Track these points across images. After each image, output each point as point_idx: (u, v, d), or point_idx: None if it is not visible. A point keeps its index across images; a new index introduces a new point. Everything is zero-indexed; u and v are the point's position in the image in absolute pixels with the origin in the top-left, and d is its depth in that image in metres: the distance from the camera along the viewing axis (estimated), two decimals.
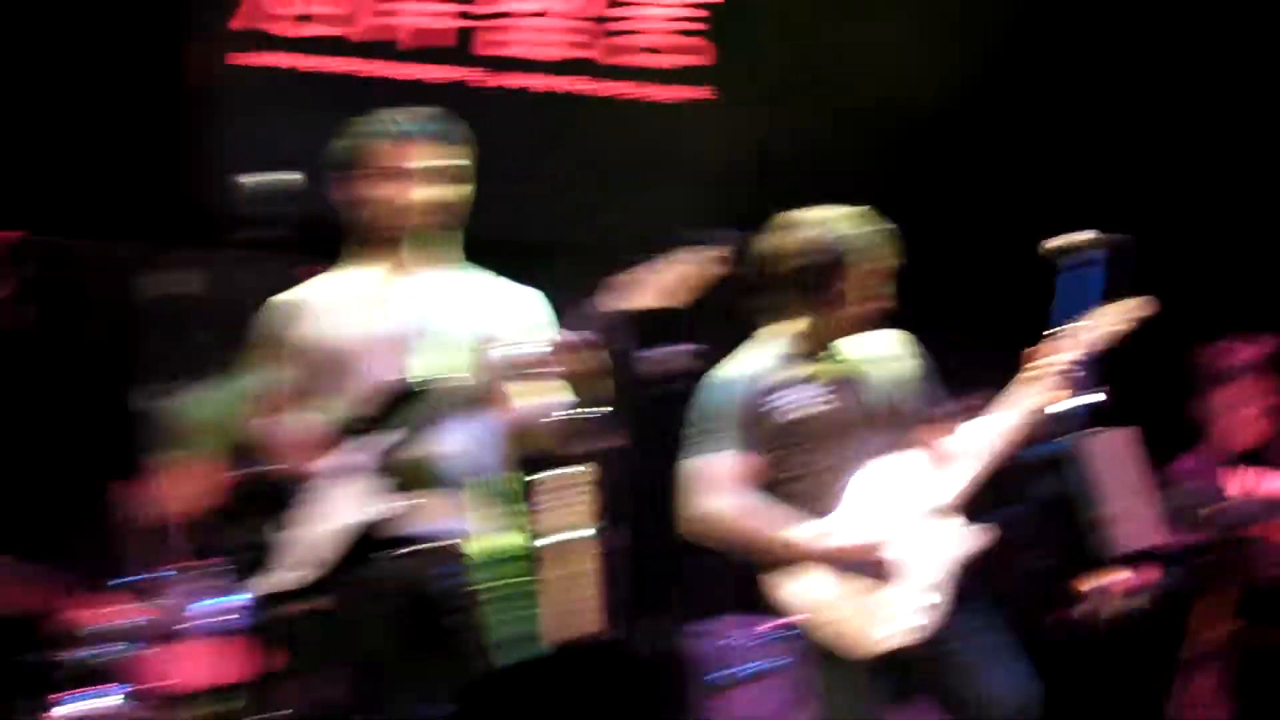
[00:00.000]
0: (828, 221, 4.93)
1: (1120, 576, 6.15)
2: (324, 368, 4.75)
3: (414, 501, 4.65)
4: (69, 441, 7.33)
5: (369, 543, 4.63)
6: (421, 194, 4.76)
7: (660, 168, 8.32)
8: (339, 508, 4.64)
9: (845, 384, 4.93)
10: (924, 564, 4.77)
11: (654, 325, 4.64)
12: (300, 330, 4.81)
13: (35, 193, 7.67)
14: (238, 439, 6.04)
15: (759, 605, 6.27)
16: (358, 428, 4.64)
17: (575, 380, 4.53)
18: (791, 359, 4.94)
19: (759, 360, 4.95)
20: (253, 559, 4.72)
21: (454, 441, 4.72)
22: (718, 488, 4.86)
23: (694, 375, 6.26)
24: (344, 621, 4.66)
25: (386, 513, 4.61)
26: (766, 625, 6.59)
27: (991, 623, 4.88)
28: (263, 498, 4.73)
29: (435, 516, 4.69)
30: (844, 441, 4.85)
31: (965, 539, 4.83)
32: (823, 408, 4.87)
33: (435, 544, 4.68)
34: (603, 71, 8.29)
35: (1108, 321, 4.96)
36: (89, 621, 6.05)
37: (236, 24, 8.03)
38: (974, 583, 5.00)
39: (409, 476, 4.65)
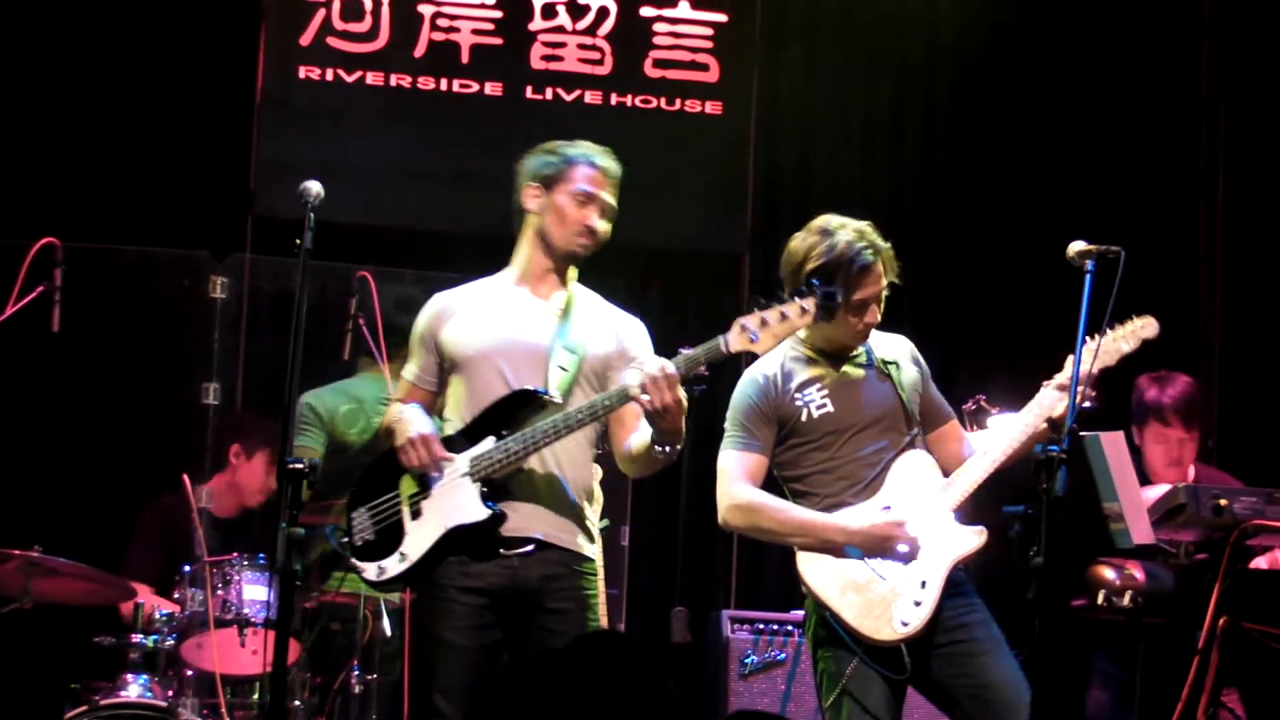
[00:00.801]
0: (842, 229, 5.03)
1: (1129, 569, 6.24)
2: (464, 369, 4.93)
3: (528, 507, 4.84)
4: (110, 440, 7.43)
5: (479, 542, 4.81)
6: (602, 225, 5.01)
7: (680, 175, 8.49)
8: (456, 505, 4.81)
9: (858, 384, 5.05)
10: (934, 557, 4.88)
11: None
12: (450, 330, 4.99)
13: (114, 202, 7.84)
14: (366, 433, 6.18)
15: (784, 595, 6.34)
16: (484, 431, 4.83)
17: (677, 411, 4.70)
18: (813, 360, 5.09)
19: (785, 360, 5.10)
20: (346, 547, 4.89)
21: (575, 454, 4.92)
22: (747, 481, 5.01)
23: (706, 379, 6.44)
24: (442, 614, 4.82)
25: (500, 516, 4.79)
26: (790, 615, 6.71)
27: (989, 617, 4.98)
28: (367, 486, 4.93)
29: (548, 523, 4.86)
30: (861, 438, 5.01)
31: (971, 536, 4.95)
32: (836, 407, 5.02)
33: (547, 548, 4.85)
34: (636, 85, 8.49)
35: (1119, 341, 5.04)
36: (147, 610, 6.17)
37: (305, 40, 8.20)
38: (977, 577, 5.13)
39: (526, 483, 4.85)
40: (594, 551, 4.99)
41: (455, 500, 4.81)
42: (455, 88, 8.29)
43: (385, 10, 8.25)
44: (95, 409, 7.42)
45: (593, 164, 5.01)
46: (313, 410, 6.62)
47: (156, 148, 7.93)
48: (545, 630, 4.80)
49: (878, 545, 4.88)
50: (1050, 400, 5.00)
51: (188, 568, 6.27)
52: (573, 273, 5.09)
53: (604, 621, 6.43)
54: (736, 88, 8.52)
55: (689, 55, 8.49)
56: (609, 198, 5.02)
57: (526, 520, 4.83)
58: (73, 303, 6.10)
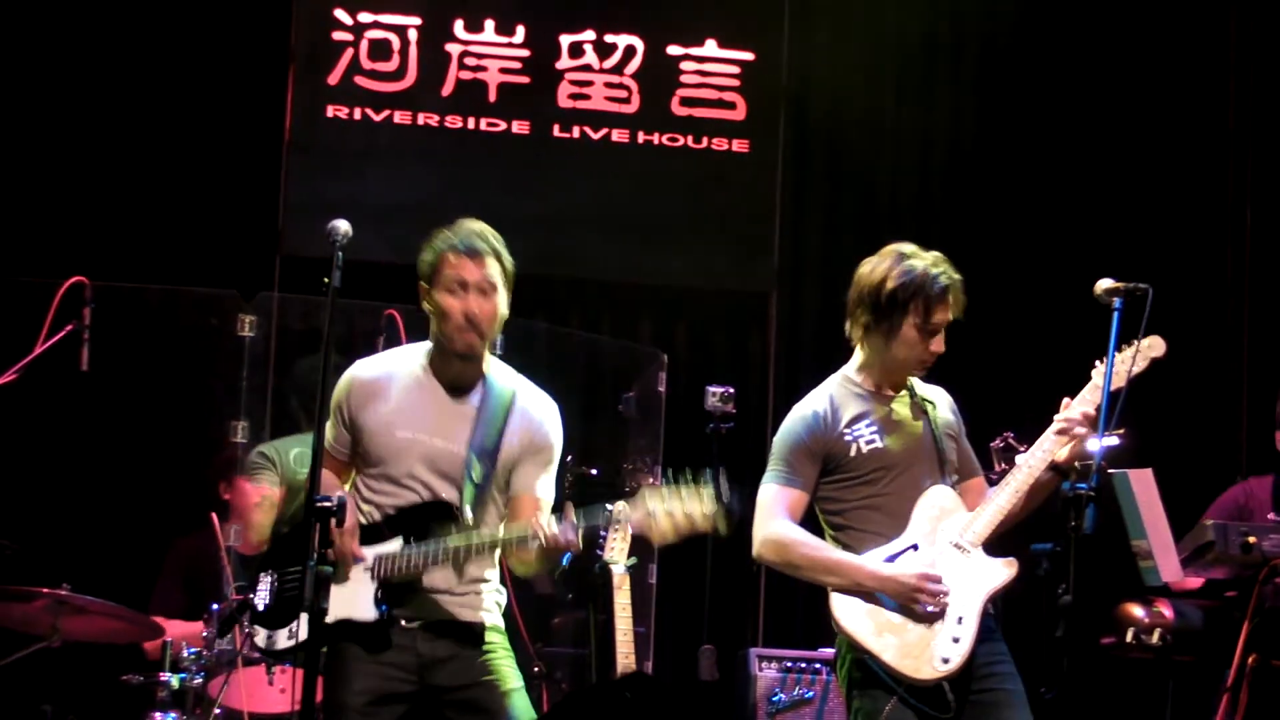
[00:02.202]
0: (917, 255, 5.01)
1: (1158, 607, 6.19)
2: (383, 464, 4.86)
3: (422, 595, 4.78)
4: (139, 478, 7.45)
5: (369, 636, 4.75)
6: (475, 307, 4.81)
7: (707, 213, 8.55)
8: (351, 597, 4.74)
9: (906, 422, 5.03)
10: (968, 592, 4.85)
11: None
12: (371, 418, 4.88)
13: (143, 241, 7.92)
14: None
15: (812, 632, 6.32)
16: (395, 531, 4.79)
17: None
18: (861, 396, 5.06)
19: (835, 394, 5.07)
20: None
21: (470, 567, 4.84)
22: (786, 516, 4.97)
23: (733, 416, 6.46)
24: (343, 679, 4.76)
25: (389, 620, 4.74)
26: (819, 652, 6.69)
27: (1016, 670, 4.95)
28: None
29: (441, 603, 4.80)
30: (910, 475, 4.96)
31: (1002, 568, 4.91)
32: (885, 443, 5.00)
33: (441, 623, 4.81)
34: (663, 123, 8.53)
35: (1126, 363, 4.97)
36: (174, 649, 6.17)
37: (333, 79, 8.28)
38: (1005, 615, 5.10)
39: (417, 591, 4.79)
40: (494, 619, 4.90)
41: (352, 592, 4.75)
42: (483, 126, 8.34)
43: (413, 50, 8.30)
44: (123, 447, 7.43)
45: (457, 249, 4.82)
46: (264, 455, 6.70)
47: (185, 187, 7.99)
48: (456, 686, 4.77)
49: (906, 597, 4.84)
50: (1050, 446, 4.93)
51: (216, 606, 6.27)
52: (486, 357, 4.96)
53: (629, 661, 6.45)
54: (763, 126, 8.57)
55: (716, 94, 8.53)
56: (486, 276, 4.83)
57: (421, 607, 4.78)
58: (101, 341, 6.11)
